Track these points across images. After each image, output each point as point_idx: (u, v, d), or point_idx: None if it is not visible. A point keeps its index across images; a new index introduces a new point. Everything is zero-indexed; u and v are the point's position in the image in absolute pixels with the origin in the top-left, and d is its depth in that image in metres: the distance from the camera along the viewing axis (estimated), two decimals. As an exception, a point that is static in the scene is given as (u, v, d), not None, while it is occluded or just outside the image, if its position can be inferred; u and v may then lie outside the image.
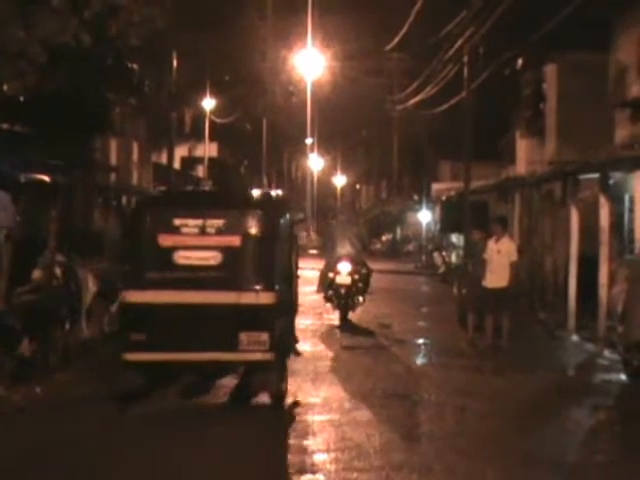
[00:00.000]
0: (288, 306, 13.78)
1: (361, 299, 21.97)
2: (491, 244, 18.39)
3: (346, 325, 21.47)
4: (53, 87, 19.76)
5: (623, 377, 15.28)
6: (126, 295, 12.63)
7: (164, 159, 41.61)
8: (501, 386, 14.94)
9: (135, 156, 39.15)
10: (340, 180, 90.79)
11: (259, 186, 61.25)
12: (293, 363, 14.46)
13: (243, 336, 12.34)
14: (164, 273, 12.59)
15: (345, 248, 21.73)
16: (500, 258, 18.14)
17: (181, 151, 49.80)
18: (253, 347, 12.35)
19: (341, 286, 21.45)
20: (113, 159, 34.07)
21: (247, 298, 12.40)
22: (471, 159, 27.64)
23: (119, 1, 16.04)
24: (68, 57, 18.77)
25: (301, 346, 15.50)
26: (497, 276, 18.14)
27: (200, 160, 51.17)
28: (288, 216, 14.13)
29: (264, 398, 12.91)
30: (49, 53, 16.16)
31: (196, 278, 12.55)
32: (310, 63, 45.20)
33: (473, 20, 26.70)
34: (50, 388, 13.49)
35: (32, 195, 14.61)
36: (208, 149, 49.86)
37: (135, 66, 25.86)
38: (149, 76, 28.80)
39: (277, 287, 12.69)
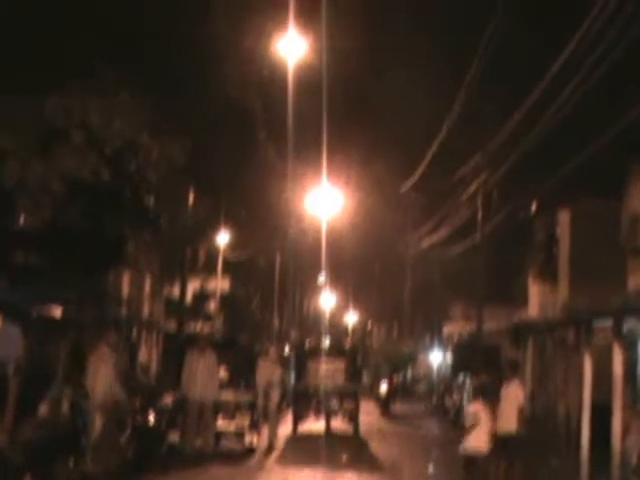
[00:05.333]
0: (360, 390, 31.11)
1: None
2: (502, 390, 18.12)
3: (387, 414, 38.61)
4: (69, 220, 19.87)
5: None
6: (296, 385, 29.30)
7: (176, 291, 41.62)
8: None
9: (147, 289, 39.16)
10: (352, 318, 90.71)
11: (270, 323, 61.25)
12: None
13: (345, 400, 28.56)
14: (313, 375, 28.78)
15: (383, 373, 43.30)
16: (508, 402, 17.85)
17: (193, 284, 49.88)
18: (349, 404, 28.65)
19: (382, 394, 40.85)
20: (125, 292, 34.05)
21: (348, 387, 28.74)
22: (484, 301, 27.60)
23: (139, 139, 16.15)
24: (86, 191, 18.92)
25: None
26: (505, 421, 17.80)
27: (211, 295, 51.17)
28: (360, 353, 33.95)
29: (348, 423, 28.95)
30: (67, 187, 16.26)
31: (326, 377, 28.58)
32: (325, 203, 45.58)
33: (487, 164, 27.02)
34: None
35: (42, 329, 14.57)
36: (220, 284, 49.96)
37: (152, 201, 26.07)
38: (165, 210, 28.98)
39: (358, 383, 30.67)
